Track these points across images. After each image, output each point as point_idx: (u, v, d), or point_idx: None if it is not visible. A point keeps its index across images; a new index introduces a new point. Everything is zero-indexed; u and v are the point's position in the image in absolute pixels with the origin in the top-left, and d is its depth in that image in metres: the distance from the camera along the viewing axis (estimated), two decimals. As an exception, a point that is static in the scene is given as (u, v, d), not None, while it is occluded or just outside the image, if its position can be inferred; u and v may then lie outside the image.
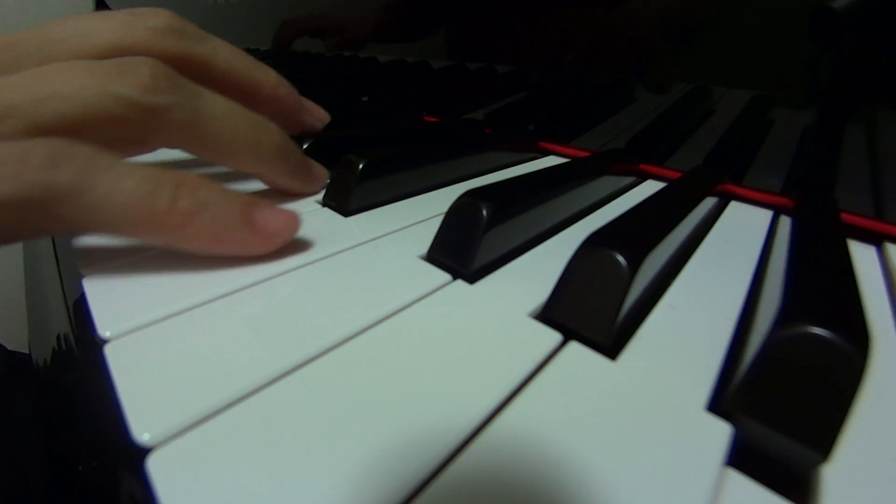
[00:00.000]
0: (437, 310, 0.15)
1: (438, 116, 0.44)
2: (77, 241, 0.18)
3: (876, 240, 0.23)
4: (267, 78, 0.23)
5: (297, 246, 0.19)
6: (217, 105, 0.19)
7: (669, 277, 0.18)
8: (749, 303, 0.17)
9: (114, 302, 0.14)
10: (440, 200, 0.25)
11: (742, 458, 0.10)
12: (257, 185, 0.25)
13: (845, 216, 0.23)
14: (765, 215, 0.26)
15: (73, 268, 0.17)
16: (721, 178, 0.26)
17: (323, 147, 0.28)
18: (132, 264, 0.17)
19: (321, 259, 0.18)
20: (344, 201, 0.23)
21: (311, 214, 0.22)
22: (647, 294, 0.16)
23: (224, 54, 0.22)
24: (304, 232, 0.20)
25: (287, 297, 0.15)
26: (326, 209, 0.23)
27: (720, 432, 0.11)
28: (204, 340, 0.13)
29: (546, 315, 0.15)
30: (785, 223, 0.25)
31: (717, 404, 0.12)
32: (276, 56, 0.68)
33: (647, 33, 0.30)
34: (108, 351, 0.12)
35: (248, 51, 0.78)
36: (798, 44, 0.24)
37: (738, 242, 0.22)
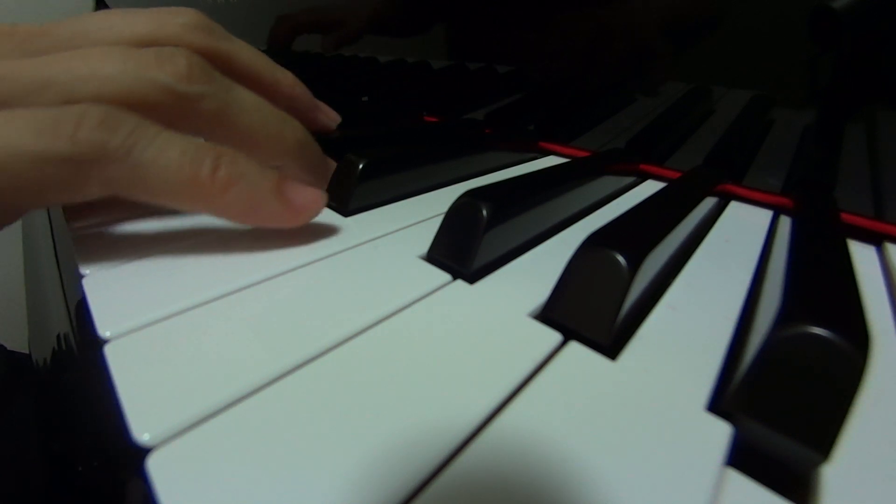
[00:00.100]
0: (437, 310, 0.15)
1: (438, 116, 0.44)
2: (77, 241, 0.18)
3: (876, 240, 0.23)
4: (285, 78, 0.24)
5: (297, 246, 0.19)
6: (246, 98, 0.20)
7: (669, 277, 0.18)
8: (749, 303, 0.17)
9: (114, 302, 0.14)
10: (440, 200, 0.25)
11: (742, 458, 0.10)
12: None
13: (845, 216, 0.23)
14: (765, 215, 0.26)
15: (73, 268, 0.17)
16: (721, 178, 0.26)
17: (323, 147, 0.28)
18: (132, 264, 0.17)
19: (321, 259, 0.18)
20: (344, 201, 0.23)
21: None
22: (647, 294, 0.16)
23: (247, 53, 0.23)
24: (303, 232, 0.20)
25: (287, 296, 0.15)
26: (326, 209, 0.23)
27: (720, 432, 0.11)
28: (204, 340, 0.13)
29: (546, 315, 0.15)
30: (785, 223, 0.25)
31: (717, 404, 0.12)
32: (276, 56, 0.68)
33: (647, 33, 0.30)
34: (108, 351, 0.12)
35: (248, 51, 0.78)
36: (798, 44, 0.24)
37: (738, 242, 0.22)
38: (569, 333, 0.14)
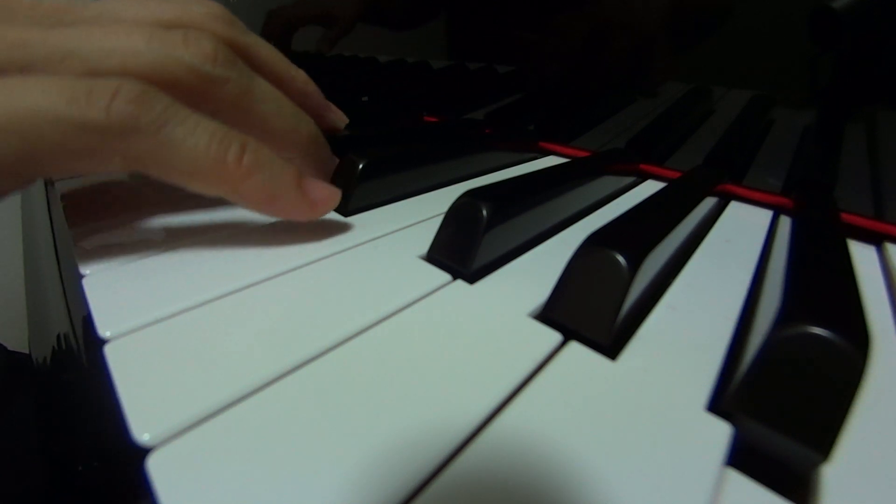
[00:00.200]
0: (437, 310, 0.15)
1: (438, 116, 0.44)
2: (77, 241, 0.18)
3: (876, 240, 0.23)
4: (299, 75, 0.25)
5: (296, 246, 0.19)
6: (266, 89, 0.20)
7: (669, 277, 0.18)
8: (749, 303, 0.17)
9: (114, 302, 0.14)
10: (440, 200, 0.25)
11: (742, 458, 0.10)
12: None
13: (845, 216, 0.23)
14: (765, 215, 0.26)
15: (73, 268, 0.17)
16: (721, 178, 0.26)
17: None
18: (132, 264, 0.17)
19: (321, 259, 0.18)
20: (344, 201, 0.22)
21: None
22: (647, 294, 0.16)
23: (265, 48, 0.23)
24: (303, 232, 0.20)
25: (287, 296, 0.15)
26: (326, 209, 0.23)
27: (720, 432, 0.11)
28: (204, 340, 0.13)
29: (546, 315, 0.15)
30: (785, 223, 0.25)
31: (717, 404, 0.12)
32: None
33: (648, 33, 0.30)
34: (108, 351, 0.12)
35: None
36: (798, 44, 0.24)
37: (738, 242, 0.22)
38: (569, 333, 0.14)
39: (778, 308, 0.12)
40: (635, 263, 0.13)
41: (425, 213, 0.23)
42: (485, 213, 0.17)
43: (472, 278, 0.17)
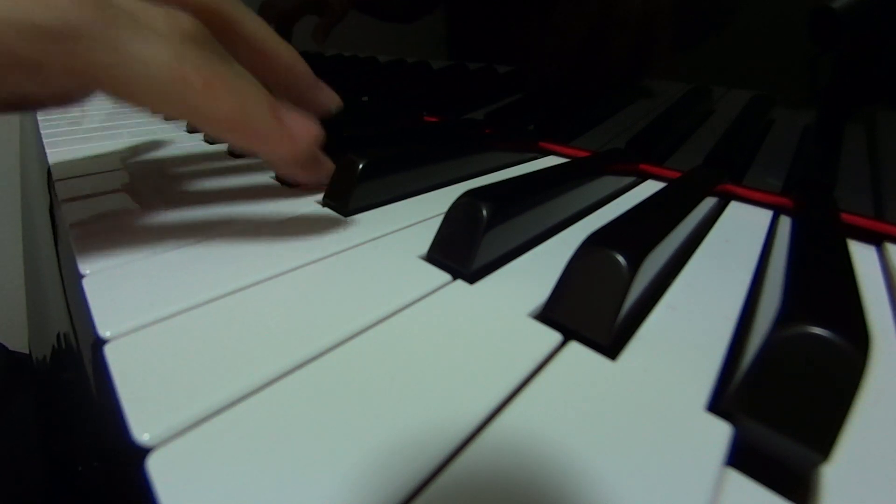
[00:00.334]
0: (437, 310, 0.15)
1: (438, 116, 0.44)
2: (77, 241, 0.18)
3: (876, 240, 0.23)
4: (288, 51, 0.24)
5: (296, 246, 0.19)
6: (242, 73, 0.18)
7: (669, 277, 0.18)
8: (749, 303, 0.17)
9: (114, 302, 0.14)
10: (440, 200, 0.25)
11: (742, 458, 0.10)
12: (257, 180, 0.25)
13: (845, 216, 0.23)
14: (765, 215, 0.26)
15: (73, 268, 0.17)
16: (721, 178, 0.26)
17: (323, 147, 0.28)
18: (132, 264, 0.17)
19: (321, 259, 0.18)
20: (344, 201, 0.23)
21: (311, 214, 0.22)
22: (647, 294, 0.16)
23: (253, 20, 0.22)
24: (303, 232, 0.20)
25: (287, 296, 0.15)
26: (326, 209, 0.23)
27: (720, 432, 0.11)
28: (204, 340, 0.13)
29: (546, 315, 0.15)
30: (785, 223, 0.25)
31: (717, 404, 0.12)
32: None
33: (648, 33, 0.30)
34: (108, 351, 0.12)
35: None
36: (798, 44, 0.24)
37: (738, 242, 0.22)
38: (569, 333, 0.14)
39: (778, 308, 0.12)
40: (635, 263, 0.13)
41: (425, 213, 0.23)
42: (485, 213, 0.17)
43: (472, 278, 0.17)
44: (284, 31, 0.62)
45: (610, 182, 0.27)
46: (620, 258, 0.13)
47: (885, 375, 0.13)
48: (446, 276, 0.17)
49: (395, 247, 0.19)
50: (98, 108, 0.54)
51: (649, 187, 0.30)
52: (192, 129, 0.40)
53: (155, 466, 0.09)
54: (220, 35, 0.19)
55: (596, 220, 0.24)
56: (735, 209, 0.26)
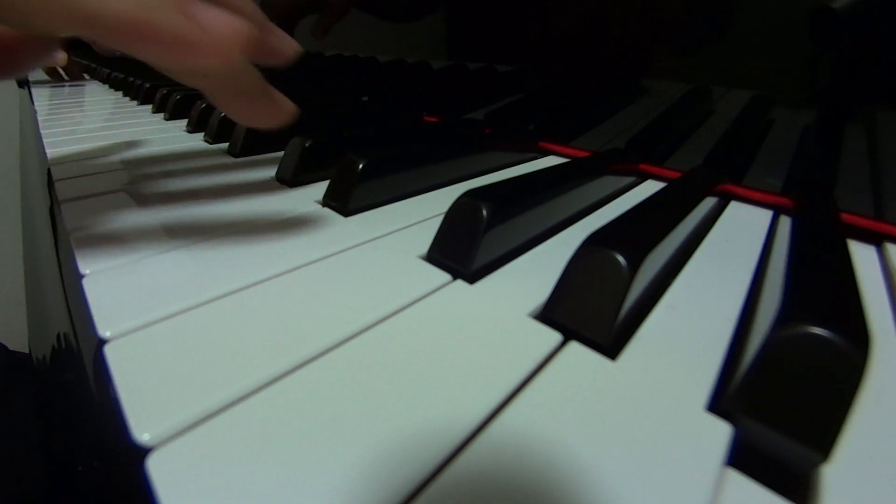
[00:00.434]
0: (437, 310, 0.15)
1: (438, 116, 0.44)
2: (77, 241, 0.18)
3: (876, 240, 0.23)
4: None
5: (296, 246, 0.19)
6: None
7: (669, 277, 0.18)
8: (749, 303, 0.17)
9: (114, 302, 0.14)
10: (440, 200, 0.25)
11: (742, 458, 0.10)
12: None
13: (845, 216, 0.23)
14: (765, 215, 0.26)
15: (73, 268, 0.17)
16: (721, 178, 0.26)
17: (323, 147, 0.28)
18: (132, 264, 0.17)
19: (321, 259, 0.18)
20: (344, 201, 0.23)
21: (311, 214, 0.22)
22: (647, 294, 0.16)
23: None
24: (303, 232, 0.20)
25: (287, 296, 0.15)
26: (326, 209, 0.23)
27: (720, 432, 0.11)
28: (204, 340, 0.13)
29: (546, 315, 0.15)
30: (785, 223, 0.25)
31: (717, 404, 0.12)
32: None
33: (648, 33, 0.30)
34: (108, 351, 0.12)
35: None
36: (798, 44, 0.24)
37: (738, 242, 0.22)
38: (569, 333, 0.14)
39: (778, 308, 0.11)
40: (635, 263, 0.13)
41: (425, 213, 0.23)
42: (485, 213, 0.17)
43: (472, 278, 0.17)
44: (285, 30, 0.62)
45: (610, 182, 0.27)
46: (620, 258, 0.13)
47: (885, 375, 0.13)
48: (446, 276, 0.17)
49: (395, 247, 0.19)
50: (98, 108, 0.54)
51: (649, 187, 0.30)
52: (192, 129, 0.40)
53: (155, 466, 0.09)
54: None
55: (596, 220, 0.24)
56: (735, 209, 0.26)
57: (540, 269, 0.18)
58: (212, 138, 0.36)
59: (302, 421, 0.10)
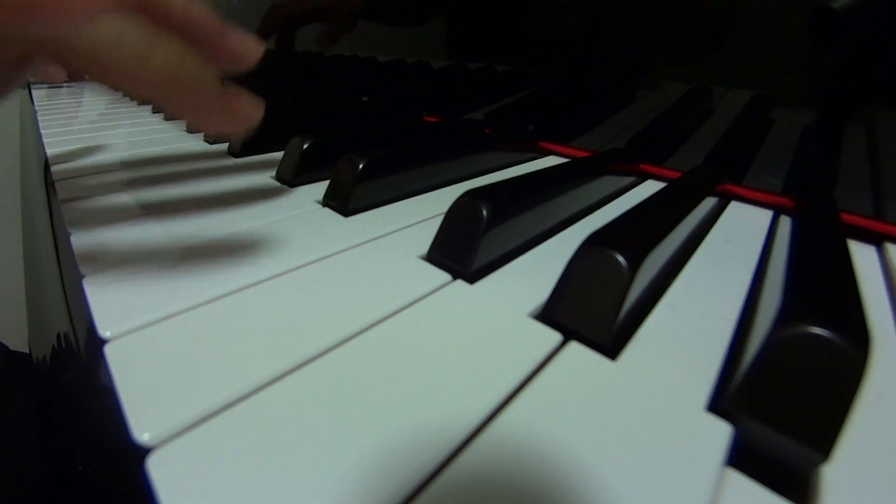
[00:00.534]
0: (437, 310, 0.15)
1: (438, 116, 0.44)
2: (77, 241, 0.18)
3: (876, 240, 0.23)
4: None
5: (296, 245, 0.19)
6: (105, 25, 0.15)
7: (669, 277, 0.18)
8: (749, 303, 0.17)
9: (114, 302, 0.14)
10: (440, 200, 0.25)
11: (742, 458, 0.10)
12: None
13: (845, 216, 0.23)
14: (765, 215, 0.26)
15: (73, 268, 0.17)
16: (721, 178, 0.26)
17: (323, 147, 0.28)
18: (132, 264, 0.17)
19: (321, 259, 0.18)
20: (344, 201, 0.23)
21: (311, 214, 0.22)
22: (647, 294, 0.16)
23: None
24: (303, 232, 0.20)
25: (286, 297, 0.15)
26: (326, 209, 0.23)
27: (720, 432, 0.11)
28: (204, 340, 0.13)
29: (546, 315, 0.15)
30: (785, 223, 0.25)
31: (717, 404, 0.12)
32: (277, 56, 0.68)
33: (648, 33, 0.30)
34: (109, 351, 0.12)
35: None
36: (798, 44, 0.24)
37: (738, 242, 0.22)
38: (569, 333, 0.14)
39: (778, 308, 0.11)
40: (635, 263, 0.13)
41: (425, 213, 0.23)
42: (485, 213, 0.17)
43: (472, 278, 0.17)
44: (289, 35, 0.62)
45: (610, 182, 0.27)
46: (620, 258, 0.13)
47: (885, 375, 0.13)
48: (446, 276, 0.17)
49: (395, 247, 0.19)
50: (98, 108, 0.54)
51: (649, 187, 0.30)
52: (192, 129, 0.40)
53: (155, 466, 0.09)
54: None
55: (596, 220, 0.24)
56: (735, 209, 0.26)
57: (540, 269, 0.18)
58: (211, 138, 0.36)
59: (302, 421, 0.10)
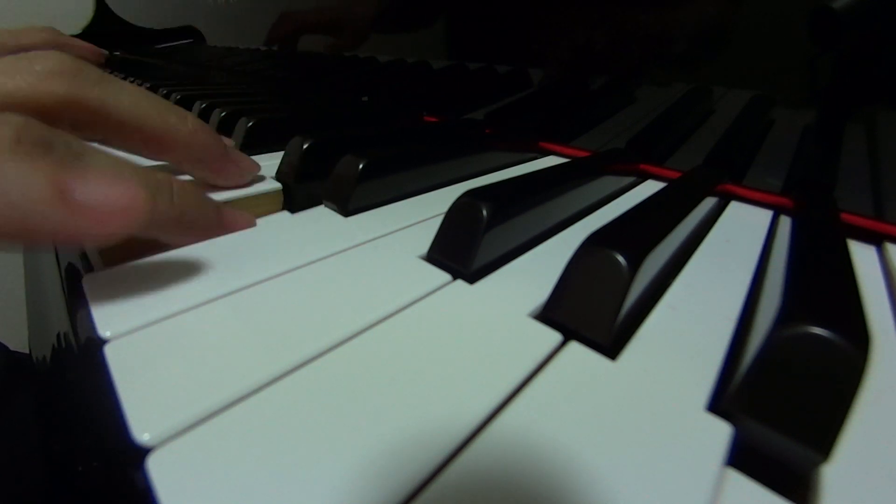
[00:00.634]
0: (437, 310, 0.15)
1: (438, 116, 0.44)
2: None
3: (876, 240, 0.23)
4: (183, 123, 0.21)
5: (296, 246, 0.19)
6: (101, 164, 0.15)
7: (669, 277, 0.18)
8: (749, 303, 0.17)
9: (114, 302, 0.14)
10: (440, 200, 0.25)
11: (742, 458, 0.10)
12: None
13: (845, 216, 0.23)
14: (765, 215, 0.26)
15: (73, 268, 0.17)
16: (721, 178, 0.26)
17: (323, 147, 0.28)
18: (132, 265, 0.17)
19: (321, 259, 0.18)
20: (344, 201, 0.23)
21: (311, 214, 0.22)
22: (647, 294, 0.16)
23: (127, 97, 0.19)
24: (303, 232, 0.20)
25: (286, 297, 0.15)
26: (326, 209, 0.23)
27: (720, 432, 0.11)
28: (204, 341, 0.13)
29: (546, 315, 0.15)
30: (785, 223, 0.25)
31: (717, 404, 0.12)
32: (278, 56, 0.68)
33: (648, 33, 0.30)
34: (108, 351, 0.12)
35: (248, 50, 0.78)
36: (798, 44, 0.24)
37: (738, 242, 0.22)
38: (569, 333, 0.14)
39: (778, 308, 0.12)
40: (635, 263, 0.13)
41: (425, 213, 0.23)
42: (485, 213, 0.17)
43: (472, 278, 0.17)
44: (293, 41, 0.62)
45: (610, 182, 0.27)
46: (620, 258, 0.13)
47: (885, 375, 0.13)
48: (446, 276, 0.17)
49: (395, 247, 0.19)
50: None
51: (649, 187, 0.30)
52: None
53: (155, 466, 0.09)
54: (90, 123, 0.18)
55: (596, 220, 0.24)
56: (735, 209, 0.26)
57: (540, 269, 0.18)
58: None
59: (302, 421, 0.10)
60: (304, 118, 0.37)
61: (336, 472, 0.09)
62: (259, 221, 0.21)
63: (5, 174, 0.12)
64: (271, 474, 0.09)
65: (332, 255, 0.18)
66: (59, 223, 0.13)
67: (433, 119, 0.44)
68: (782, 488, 0.10)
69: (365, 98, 0.52)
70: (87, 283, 0.16)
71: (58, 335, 0.16)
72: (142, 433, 0.10)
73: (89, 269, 0.17)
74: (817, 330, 0.10)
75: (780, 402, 0.10)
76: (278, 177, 0.28)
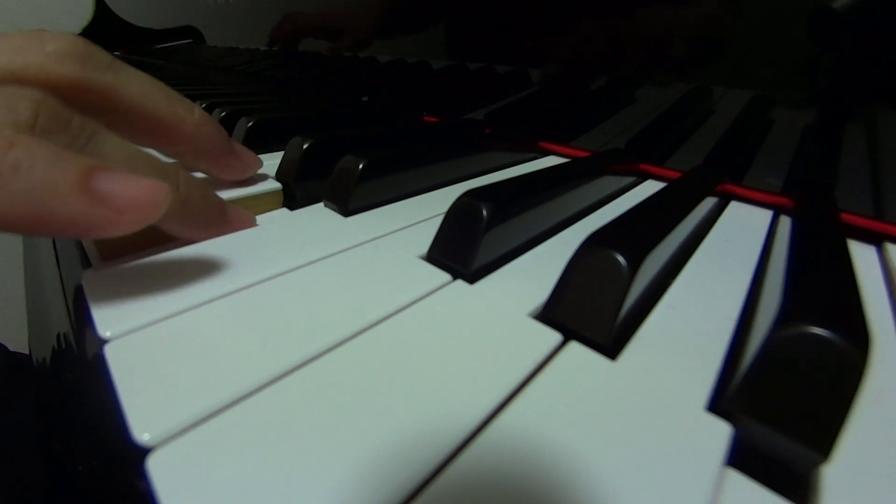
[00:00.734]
0: (437, 310, 0.15)
1: (438, 116, 0.44)
2: (77, 241, 0.18)
3: (876, 240, 0.23)
4: (188, 113, 0.21)
5: (296, 246, 0.19)
6: (112, 148, 0.16)
7: (669, 277, 0.18)
8: (749, 303, 0.17)
9: (114, 302, 0.14)
10: (440, 200, 0.25)
11: (742, 458, 0.10)
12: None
13: (845, 216, 0.23)
14: (765, 215, 0.26)
15: (73, 268, 0.17)
16: (721, 178, 0.26)
17: (323, 147, 0.28)
18: (132, 264, 0.17)
19: (321, 259, 0.18)
20: (343, 201, 0.23)
21: (311, 214, 0.22)
22: (647, 294, 0.16)
23: (137, 85, 0.19)
24: (303, 232, 0.20)
25: (287, 297, 0.15)
26: (326, 209, 0.23)
27: (720, 432, 0.11)
28: (204, 340, 0.13)
29: (546, 315, 0.15)
30: (785, 223, 0.25)
31: (717, 404, 0.12)
32: (278, 56, 0.68)
33: (648, 33, 0.30)
34: (108, 351, 0.12)
35: (248, 50, 0.78)
36: (798, 44, 0.24)
37: (738, 242, 0.22)
38: (569, 333, 0.14)
39: (778, 308, 0.12)
40: (635, 263, 0.13)
41: (425, 213, 0.23)
42: (485, 213, 0.17)
43: (472, 278, 0.17)
44: (294, 42, 0.62)
45: (610, 182, 0.27)
46: (620, 258, 0.13)
47: (885, 375, 0.13)
48: (446, 276, 0.17)
49: (395, 247, 0.19)
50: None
51: (649, 187, 0.30)
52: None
53: (155, 466, 0.09)
54: (100, 109, 0.18)
55: (596, 220, 0.24)
56: (735, 209, 0.26)
57: (540, 269, 0.18)
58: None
59: (302, 421, 0.10)
60: (304, 118, 0.37)
61: (336, 472, 0.09)
62: (259, 221, 0.21)
63: (29, 154, 0.12)
64: (271, 474, 0.09)
65: (332, 255, 0.18)
66: (79, 213, 0.12)
67: (433, 119, 0.44)
68: (782, 488, 0.10)
69: (365, 98, 0.52)
70: (87, 283, 0.16)
71: (58, 335, 0.16)
72: (142, 433, 0.10)
73: (87, 262, 0.17)
74: (817, 330, 0.10)
75: (780, 402, 0.10)
76: (278, 177, 0.28)
